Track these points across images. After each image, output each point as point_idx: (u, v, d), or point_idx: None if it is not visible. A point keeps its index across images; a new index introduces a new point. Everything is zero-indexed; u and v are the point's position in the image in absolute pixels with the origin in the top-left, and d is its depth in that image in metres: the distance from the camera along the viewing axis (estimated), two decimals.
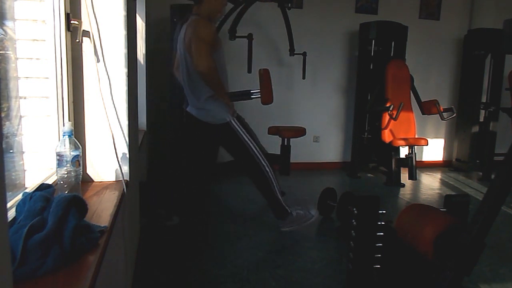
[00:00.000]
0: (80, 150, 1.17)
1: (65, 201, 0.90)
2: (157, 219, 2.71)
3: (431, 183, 4.41)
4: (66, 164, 1.13)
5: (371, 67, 4.39)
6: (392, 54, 4.36)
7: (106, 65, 1.46)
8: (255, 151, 2.55)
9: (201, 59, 2.30)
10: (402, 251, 1.74)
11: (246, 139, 2.52)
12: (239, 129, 2.51)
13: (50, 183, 1.18)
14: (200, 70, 2.32)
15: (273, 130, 3.87)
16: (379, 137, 4.23)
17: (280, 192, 2.63)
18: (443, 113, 4.13)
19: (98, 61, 1.45)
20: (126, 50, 1.50)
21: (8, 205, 1.02)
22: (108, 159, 1.51)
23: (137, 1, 2.40)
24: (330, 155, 4.88)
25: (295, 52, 4.06)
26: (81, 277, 0.82)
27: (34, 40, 1.32)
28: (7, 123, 1.23)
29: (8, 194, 1.11)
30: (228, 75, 2.65)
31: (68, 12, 1.37)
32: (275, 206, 2.65)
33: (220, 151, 2.79)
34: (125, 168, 1.54)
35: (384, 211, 1.84)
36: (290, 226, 2.67)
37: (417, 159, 4.09)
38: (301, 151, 4.55)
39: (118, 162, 1.48)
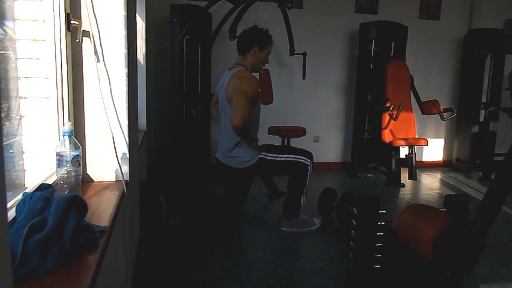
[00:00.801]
0: (80, 150, 1.17)
1: (65, 201, 0.90)
2: (160, 218, 2.71)
3: (431, 183, 4.41)
4: (66, 164, 1.13)
5: (371, 67, 4.39)
6: (392, 54, 4.37)
7: (106, 65, 1.46)
8: (298, 156, 2.60)
9: (238, 114, 2.32)
10: (402, 251, 1.74)
11: (284, 156, 2.58)
12: (272, 156, 2.56)
13: (50, 183, 1.18)
14: (235, 125, 2.34)
15: (273, 130, 3.87)
16: (379, 137, 4.24)
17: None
18: (443, 113, 4.13)
19: (98, 61, 1.45)
20: (126, 50, 1.50)
21: (8, 205, 1.02)
22: (108, 159, 1.51)
23: (137, 1, 2.40)
24: (330, 155, 4.88)
25: (295, 52, 4.06)
26: (81, 277, 0.82)
27: (34, 40, 1.32)
28: (7, 123, 1.23)
29: (8, 194, 1.11)
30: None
31: (68, 12, 1.37)
32: (293, 205, 2.67)
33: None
34: (125, 168, 1.54)
35: (384, 211, 1.84)
36: (291, 227, 2.69)
37: (417, 159, 4.09)
38: None
39: (118, 162, 1.48)
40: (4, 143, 0.82)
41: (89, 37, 1.43)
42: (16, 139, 1.31)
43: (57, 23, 1.34)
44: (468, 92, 4.74)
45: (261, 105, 3.61)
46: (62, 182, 1.14)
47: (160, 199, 2.68)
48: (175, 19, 3.63)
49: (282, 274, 2.13)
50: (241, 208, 2.75)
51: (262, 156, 2.55)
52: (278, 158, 2.57)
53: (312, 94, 4.71)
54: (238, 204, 2.70)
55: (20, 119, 1.33)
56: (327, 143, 4.85)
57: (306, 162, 2.62)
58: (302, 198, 2.67)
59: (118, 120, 1.51)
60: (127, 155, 1.55)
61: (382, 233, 1.82)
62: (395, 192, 3.92)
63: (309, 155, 2.68)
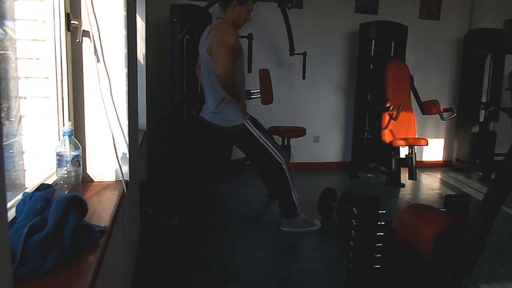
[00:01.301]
0: (80, 150, 1.17)
1: (65, 201, 0.90)
2: (159, 218, 2.71)
3: (431, 183, 4.41)
4: (66, 164, 1.13)
5: (371, 67, 4.39)
6: (392, 54, 4.37)
7: (106, 65, 1.46)
8: (275, 150, 2.56)
9: (220, 63, 2.30)
10: (402, 251, 1.74)
11: (264, 140, 2.54)
12: (255, 130, 2.52)
13: (50, 183, 1.18)
14: (217, 74, 2.32)
15: (273, 130, 3.87)
16: (379, 137, 4.23)
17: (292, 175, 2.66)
18: (443, 113, 4.13)
19: (98, 61, 1.45)
20: (126, 50, 1.50)
21: (8, 205, 1.02)
22: (108, 159, 1.51)
23: (137, 1, 2.40)
24: (330, 155, 4.88)
25: (295, 52, 4.06)
26: (81, 277, 0.82)
27: (34, 40, 1.32)
28: (7, 123, 1.23)
29: (8, 194, 1.11)
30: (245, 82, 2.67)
31: (68, 12, 1.37)
32: (287, 205, 2.67)
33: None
34: (125, 168, 1.54)
35: (384, 211, 1.84)
36: (292, 227, 2.68)
37: (417, 159, 4.09)
38: (301, 151, 4.56)
39: (118, 162, 1.48)
40: (4, 143, 0.82)
41: (89, 37, 1.43)
42: (16, 139, 1.31)
43: (57, 23, 1.34)
44: (468, 92, 4.74)
45: (263, 106, 3.66)
46: (62, 182, 1.14)
47: (147, 211, 2.69)
48: (175, 19, 3.63)
49: (282, 274, 2.13)
50: (225, 167, 2.76)
51: (247, 125, 2.49)
52: (259, 139, 2.52)
53: (312, 94, 4.71)
54: (207, 162, 2.73)
55: (20, 119, 1.33)
56: (327, 143, 4.84)
57: (280, 160, 2.57)
58: (293, 196, 2.64)
59: (118, 120, 1.51)
60: (127, 155, 1.55)
61: (382, 233, 1.82)
62: (395, 192, 3.92)
63: (283, 153, 2.63)
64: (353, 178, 4.41)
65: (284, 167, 2.59)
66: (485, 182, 4.35)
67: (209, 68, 2.45)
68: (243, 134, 2.52)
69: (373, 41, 4.31)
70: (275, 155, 2.56)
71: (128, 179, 1.54)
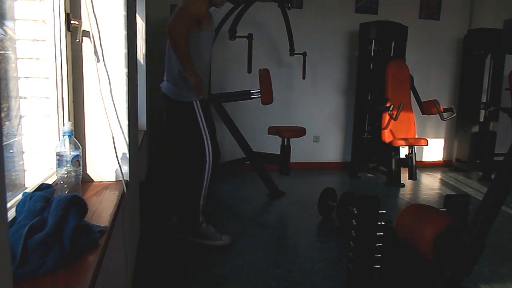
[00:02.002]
0: (80, 150, 1.17)
1: (65, 201, 0.90)
2: (157, 219, 2.68)
3: (431, 183, 4.41)
4: (66, 164, 1.13)
5: (371, 67, 4.39)
6: (392, 54, 4.37)
7: (106, 65, 1.46)
8: (209, 143, 2.32)
9: (174, 23, 2.13)
10: (402, 251, 1.74)
11: (204, 127, 2.30)
12: (200, 114, 2.29)
13: (50, 183, 1.18)
14: (168, 31, 2.15)
15: (273, 130, 3.87)
16: (379, 137, 4.23)
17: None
18: (443, 113, 4.13)
19: (98, 61, 1.45)
20: (126, 50, 1.50)
21: (8, 205, 1.02)
22: (108, 159, 1.51)
23: (137, 1, 2.40)
24: (330, 155, 4.89)
25: (295, 52, 4.06)
26: (81, 277, 0.82)
27: (34, 40, 1.32)
28: (7, 123, 1.23)
29: (8, 194, 1.11)
30: (209, 64, 2.50)
31: (68, 12, 1.37)
32: (190, 209, 2.40)
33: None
34: (125, 168, 1.54)
35: (384, 211, 1.84)
36: (193, 237, 2.43)
37: (417, 159, 4.09)
38: (301, 151, 4.56)
39: (118, 162, 1.48)
40: (4, 143, 0.82)
41: (89, 37, 1.43)
42: (16, 139, 1.31)
43: (57, 23, 1.34)
44: (468, 92, 4.74)
45: (263, 106, 3.65)
46: (62, 182, 1.14)
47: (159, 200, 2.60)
48: None
49: (282, 274, 2.13)
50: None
51: (195, 104, 2.28)
52: (199, 125, 2.28)
53: (312, 94, 4.71)
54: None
55: (20, 119, 1.33)
56: (327, 143, 4.85)
57: (208, 154, 2.32)
58: (200, 201, 2.39)
59: (118, 120, 1.51)
60: (127, 155, 1.55)
61: (382, 233, 1.82)
62: (395, 192, 3.92)
63: (215, 152, 2.37)
64: (353, 178, 4.41)
65: (207, 164, 2.32)
66: (485, 182, 4.35)
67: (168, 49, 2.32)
68: (186, 112, 2.30)
69: (373, 41, 4.31)
70: (206, 146, 2.31)
71: (128, 179, 1.54)
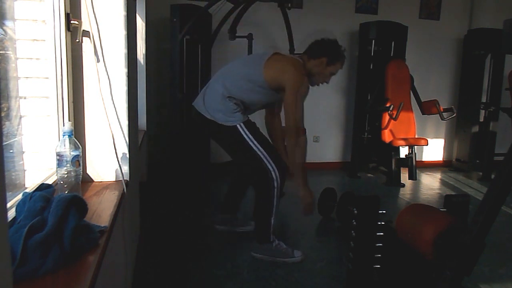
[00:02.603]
0: (80, 150, 1.17)
1: (65, 201, 0.90)
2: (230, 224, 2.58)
3: (431, 183, 4.41)
4: (66, 164, 1.13)
5: (371, 67, 4.39)
6: (392, 54, 4.37)
7: (106, 65, 1.46)
8: (268, 160, 2.19)
9: (292, 116, 2.18)
10: (402, 251, 1.74)
11: (255, 145, 2.19)
12: (245, 134, 2.20)
13: (50, 183, 1.18)
14: (291, 131, 2.17)
15: None
16: (379, 137, 4.23)
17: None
18: (443, 113, 4.13)
19: (98, 61, 1.45)
20: (126, 50, 1.50)
21: (8, 205, 1.02)
22: (108, 159, 1.51)
23: (137, 1, 2.40)
24: (330, 155, 4.88)
25: (295, 52, 4.06)
26: (81, 277, 0.82)
27: (34, 40, 1.32)
28: (7, 123, 1.23)
29: (8, 194, 1.11)
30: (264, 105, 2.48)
31: (68, 12, 1.37)
32: (262, 227, 2.30)
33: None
34: (125, 168, 1.54)
35: (384, 211, 1.84)
36: (263, 254, 2.29)
37: (417, 159, 4.09)
38: None
39: (118, 162, 1.48)
40: (4, 143, 0.82)
41: (89, 37, 1.43)
42: (16, 139, 1.31)
43: (57, 23, 1.34)
44: (468, 92, 4.74)
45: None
46: (62, 182, 1.14)
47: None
48: (175, 19, 3.63)
49: (282, 274, 2.13)
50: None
51: (239, 128, 2.18)
52: (249, 144, 2.16)
53: (312, 94, 4.68)
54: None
55: (20, 119, 1.33)
56: (327, 143, 4.84)
57: (271, 175, 2.18)
58: (271, 219, 2.24)
59: (118, 120, 1.51)
60: (127, 155, 1.55)
61: (382, 233, 1.82)
62: (395, 192, 3.92)
63: (280, 167, 2.22)
64: (353, 178, 4.41)
65: (274, 181, 2.18)
66: (485, 182, 4.35)
67: (246, 77, 2.22)
68: (232, 134, 2.21)
69: (373, 41, 4.31)
70: (267, 164, 2.18)
71: (128, 179, 1.54)
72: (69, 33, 1.39)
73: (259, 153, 2.17)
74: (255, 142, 2.18)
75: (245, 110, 2.26)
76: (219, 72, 2.37)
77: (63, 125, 1.18)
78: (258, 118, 2.58)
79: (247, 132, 2.18)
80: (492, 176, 4.24)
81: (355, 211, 1.81)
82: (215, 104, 2.18)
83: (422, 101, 4.26)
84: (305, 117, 4.72)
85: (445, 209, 1.68)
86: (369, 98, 4.38)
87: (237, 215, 2.68)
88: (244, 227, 2.63)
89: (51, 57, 1.35)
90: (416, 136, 4.26)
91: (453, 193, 2.30)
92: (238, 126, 2.18)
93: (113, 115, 1.49)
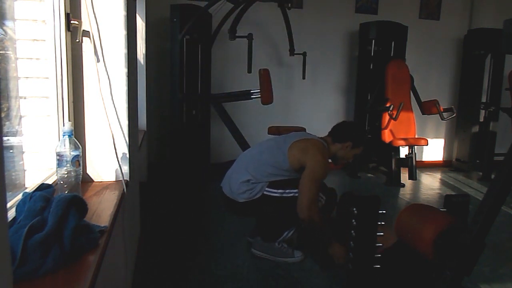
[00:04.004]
0: (80, 150, 1.17)
1: (65, 201, 0.90)
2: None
3: (431, 183, 4.41)
4: (66, 164, 1.13)
5: (371, 67, 4.39)
6: (392, 54, 4.37)
7: (106, 65, 1.46)
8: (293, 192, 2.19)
9: (306, 205, 2.09)
10: (402, 251, 1.74)
11: (288, 193, 2.20)
12: (274, 193, 2.21)
13: (50, 183, 1.18)
14: (301, 217, 2.11)
15: (273, 130, 3.87)
16: (379, 137, 4.23)
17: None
18: (443, 113, 4.13)
19: (98, 61, 1.45)
20: (126, 50, 1.50)
21: (8, 205, 1.02)
22: (108, 159, 1.51)
23: (137, 1, 2.40)
24: None
25: (295, 52, 4.06)
26: (81, 277, 0.82)
27: (34, 40, 1.33)
28: (7, 123, 1.23)
29: (8, 194, 1.11)
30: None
31: (68, 12, 1.37)
32: (278, 228, 2.29)
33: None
34: (125, 168, 1.54)
35: (384, 211, 1.84)
36: (264, 252, 2.29)
37: (417, 159, 4.09)
38: None
39: (118, 162, 1.48)
40: (4, 143, 0.82)
41: (89, 37, 1.43)
42: (16, 139, 1.31)
43: (57, 23, 1.34)
44: (468, 92, 4.74)
45: (263, 106, 3.65)
46: (62, 182, 1.14)
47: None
48: (175, 19, 3.63)
49: (282, 274, 2.13)
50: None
51: (268, 193, 2.21)
52: (285, 195, 2.20)
53: (312, 94, 4.71)
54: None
55: (20, 119, 1.33)
56: None
57: (321, 199, 2.24)
58: (291, 228, 2.27)
59: (118, 120, 1.51)
60: (127, 155, 1.55)
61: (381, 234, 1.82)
62: (395, 192, 3.92)
63: (329, 193, 2.32)
64: (353, 178, 4.41)
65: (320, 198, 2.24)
66: (485, 182, 4.34)
67: (270, 163, 2.22)
68: (264, 202, 2.22)
69: (373, 41, 4.31)
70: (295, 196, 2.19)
71: (128, 179, 1.54)
72: (69, 33, 1.39)
73: (294, 194, 2.18)
74: (287, 191, 2.21)
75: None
76: (242, 158, 2.41)
77: (63, 125, 1.18)
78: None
79: (275, 190, 2.22)
80: (492, 176, 4.24)
81: (355, 211, 1.81)
82: (242, 189, 2.23)
83: (422, 101, 4.26)
84: (305, 117, 4.74)
85: (445, 209, 1.68)
86: (369, 98, 4.38)
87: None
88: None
89: (51, 57, 1.35)
90: (416, 136, 4.26)
91: (453, 193, 2.30)
92: (265, 192, 2.22)
93: (113, 115, 1.49)
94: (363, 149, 2.40)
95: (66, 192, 1.14)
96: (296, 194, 2.15)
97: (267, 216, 2.32)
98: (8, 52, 1.24)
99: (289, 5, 3.66)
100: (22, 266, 0.79)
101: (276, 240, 2.29)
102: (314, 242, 2.34)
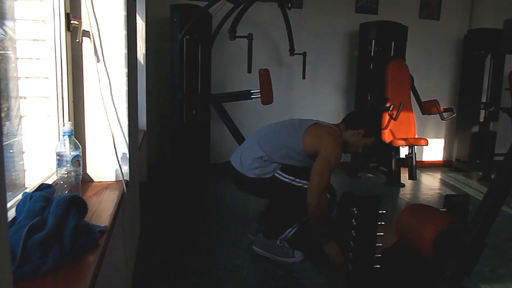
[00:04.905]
0: (80, 150, 1.17)
1: (65, 201, 0.90)
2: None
3: (431, 183, 4.41)
4: (66, 164, 1.13)
5: (371, 67, 4.39)
6: (392, 54, 4.36)
7: (106, 65, 1.46)
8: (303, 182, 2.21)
9: (322, 182, 2.11)
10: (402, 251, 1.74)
11: (297, 181, 2.22)
12: (285, 178, 2.22)
13: (50, 183, 1.18)
14: (309, 202, 2.11)
15: None
16: (379, 137, 4.23)
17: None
18: (443, 113, 4.13)
19: (98, 61, 1.45)
20: (126, 50, 1.50)
21: (8, 205, 1.02)
22: (108, 159, 1.51)
23: (137, 1, 2.40)
24: None
25: (295, 52, 4.06)
26: (81, 277, 0.82)
27: (34, 40, 1.33)
28: (7, 123, 1.23)
29: (8, 194, 1.11)
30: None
31: (68, 12, 1.37)
32: (281, 225, 2.30)
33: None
34: (125, 168, 1.54)
35: (384, 211, 1.84)
36: (264, 249, 2.30)
37: (417, 159, 4.09)
38: None
39: (118, 162, 1.48)
40: (4, 143, 0.82)
41: (89, 37, 1.43)
42: (16, 139, 1.31)
43: (57, 23, 1.34)
44: (468, 92, 4.74)
45: (263, 106, 3.65)
46: (62, 182, 1.14)
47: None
48: (175, 19, 3.63)
49: (282, 274, 2.13)
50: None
51: (278, 176, 2.22)
52: (294, 183, 2.21)
53: (312, 94, 4.71)
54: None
55: (20, 119, 1.33)
56: None
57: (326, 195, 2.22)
58: (294, 225, 2.27)
59: (118, 120, 1.51)
60: (127, 155, 1.55)
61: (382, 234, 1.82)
62: (395, 192, 3.92)
63: (332, 192, 2.29)
64: (353, 178, 4.41)
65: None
66: (485, 182, 4.34)
67: (285, 144, 2.23)
68: (273, 183, 2.23)
69: (373, 41, 4.31)
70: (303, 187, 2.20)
71: (128, 179, 1.54)
72: (69, 33, 1.39)
73: (303, 185, 2.20)
74: (297, 180, 2.22)
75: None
76: (256, 135, 2.39)
77: (63, 125, 1.18)
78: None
79: (287, 176, 2.23)
80: (492, 176, 4.24)
81: (355, 211, 1.81)
82: (253, 164, 2.23)
83: (422, 101, 4.26)
84: (305, 117, 4.72)
85: (445, 209, 1.68)
86: (369, 98, 4.38)
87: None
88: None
89: (51, 57, 1.35)
90: (416, 136, 4.26)
91: (453, 193, 2.30)
92: (276, 174, 2.23)
93: (113, 115, 1.49)
94: (375, 141, 2.39)
95: (66, 192, 1.14)
96: (306, 186, 2.16)
97: (272, 199, 2.35)
98: (8, 52, 1.24)
99: (289, 5, 3.66)
100: (22, 266, 0.79)
101: (278, 237, 2.29)
102: (311, 240, 2.33)
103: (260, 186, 2.27)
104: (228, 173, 2.42)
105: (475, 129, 4.66)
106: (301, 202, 2.15)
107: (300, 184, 2.21)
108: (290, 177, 2.23)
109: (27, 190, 1.00)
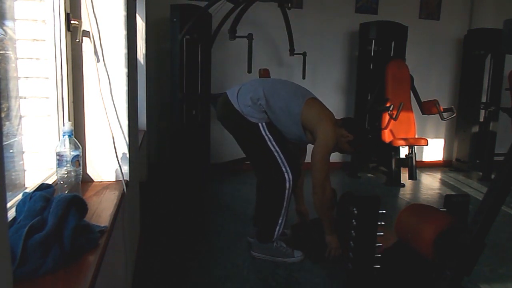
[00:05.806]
0: (80, 150, 1.17)
1: (65, 201, 0.90)
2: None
3: (431, 183, 4.41)
4: (66, 164, 1.13)
5: (371, 67, 4.39)
6: (392, 54, 4.36)
7: (106, 65, 1.46)
8: (284, 162, 2.19)
9: (324, 169, 2.16)
10: (402, 251, 1.74)
11: (273, 146, 2.20)
12: (265, 134, 2.20)
13: (50, 183, 1.18)
14: (318, 181, 2.16)
15: None
16: (379, 137, 4.23)
17: (289, 200, 2.29)
18: (443, 113, 4.13)
19: (98, 61, 1.45)
20: (126, 50, 1.50)
21: (8, 205, 1.02)
22: (108, 159, 1.51)
23: (137, 1, 2.40)
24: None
25: (295, 52, 4.06)
26: (81, 277, 0.82)
27: (34, 40, 1.33)
28: (7, 123, 1.23)
29: (8, 194, 1.11)
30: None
31: (68, 12, 1.37)
32: (267, 227, 2.28)
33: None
34: (125, 168, 1.54)
35: (384, 211, 1.84)
36: (263, 253, 2.29)
37: (417, 159, 4.09)
38: None
39: (118, 162, 1.48)
40: (4, 143, 0.82)
41: (89, 37, 1.43)
42: (16, 139, 1.31)
43: (57, 23, 1.34)
44: (468, 92, 4.74)
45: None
46: (62, 182, 1.14)
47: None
48: (175, 19, 3.63)
49: (282, 274, 2.13)
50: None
51: (260, 127, 2.19)
52: (268, 143, 2.19)
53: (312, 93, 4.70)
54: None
55: (20, 119, 1.33)
56: None
57: (284, 176, 2.18)
58: (279, 220, 2.24)
59: (118, 120, 1.51)
60: (127, 155, 1.55)
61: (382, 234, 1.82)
62: (395, 192, 3.92)
63: (295, 170, 2.22)
64: (353, 178, 4.41)
65: (287, 182, 2.19)
66: (485, 182, 4.35)
67: (286, 102, 2.22)
68: (252, 130, 2.21)
69: (373, 41, 4.31)
70: (282, 166, 2.19)
71: (128, 179, 1.54)
72: (69, 33, 1.39)
73: (275, 153, 2.20)
74: (273, 143, 2.21)
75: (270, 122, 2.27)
76: (260, 81, 2.38)
77: (63, 125, 1.18)
78: None
79: (267, 132, 2.21)
80: (492, 176, 4.24)
81: (355, 211, 1.81)
82: (247, 102, 2.19)
83: (422, 101, 4.26)
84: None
85: (445, 209, 1.68)
86: (369, 98, 4.38)
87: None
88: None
89: (51, 57, 1.35)
90: (416, 136, 4.26)
91: (453, 193, 2.30)
92: (260, 124, 2.21)
93: (113, 115, 1.49)
94: (353, 152, 2.44)
95: (66, 192, 1.14)
96: (286, 173, 2.18)
97: (247, 154, 2.38)
98: (8, 52, 1.24)
99: (289, 5, 3.66)
100: (22, 266, 0.79)
101: (271, 239, 2.28)
102: (306, 237, 2.36)
103: (242, 127, 2.23)
104: (228, 173, 2.41)
105: (475, 129, 4.66)
106: (274, 181, 2.19)
107: (272, 149, 2.19)
108: (269, 135, 2.19)
109: (27, 190, 1.00)
